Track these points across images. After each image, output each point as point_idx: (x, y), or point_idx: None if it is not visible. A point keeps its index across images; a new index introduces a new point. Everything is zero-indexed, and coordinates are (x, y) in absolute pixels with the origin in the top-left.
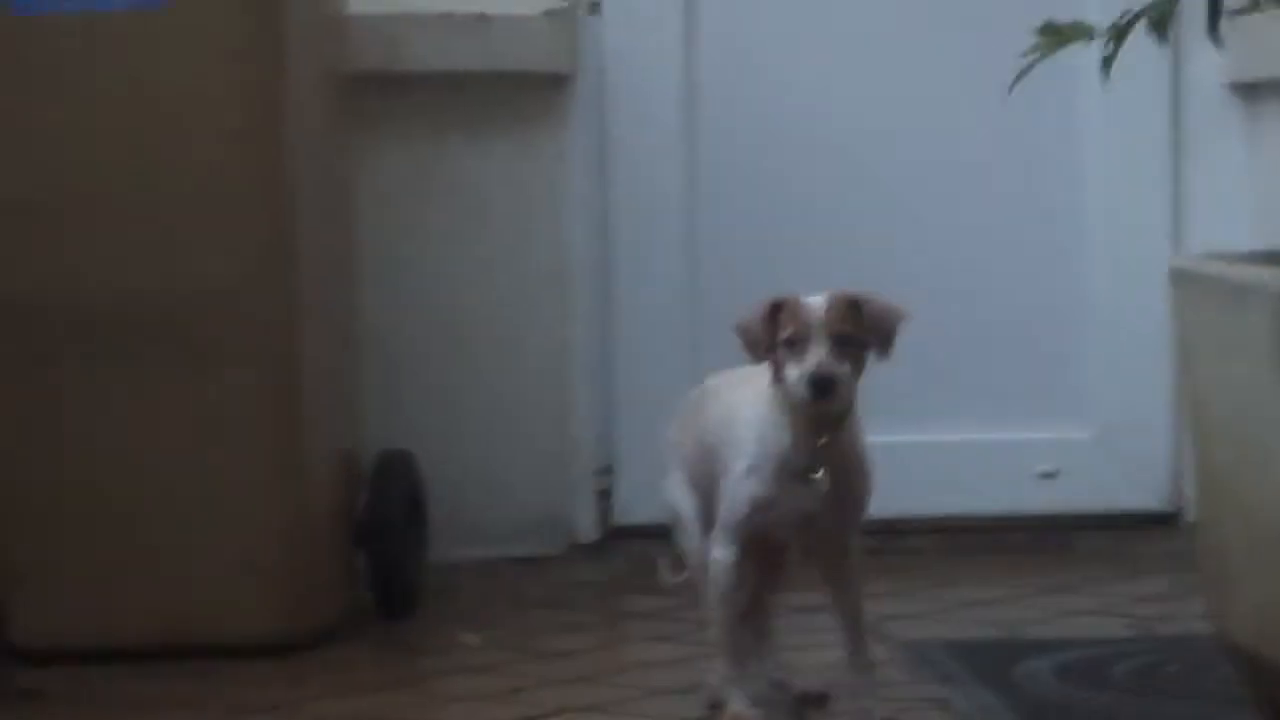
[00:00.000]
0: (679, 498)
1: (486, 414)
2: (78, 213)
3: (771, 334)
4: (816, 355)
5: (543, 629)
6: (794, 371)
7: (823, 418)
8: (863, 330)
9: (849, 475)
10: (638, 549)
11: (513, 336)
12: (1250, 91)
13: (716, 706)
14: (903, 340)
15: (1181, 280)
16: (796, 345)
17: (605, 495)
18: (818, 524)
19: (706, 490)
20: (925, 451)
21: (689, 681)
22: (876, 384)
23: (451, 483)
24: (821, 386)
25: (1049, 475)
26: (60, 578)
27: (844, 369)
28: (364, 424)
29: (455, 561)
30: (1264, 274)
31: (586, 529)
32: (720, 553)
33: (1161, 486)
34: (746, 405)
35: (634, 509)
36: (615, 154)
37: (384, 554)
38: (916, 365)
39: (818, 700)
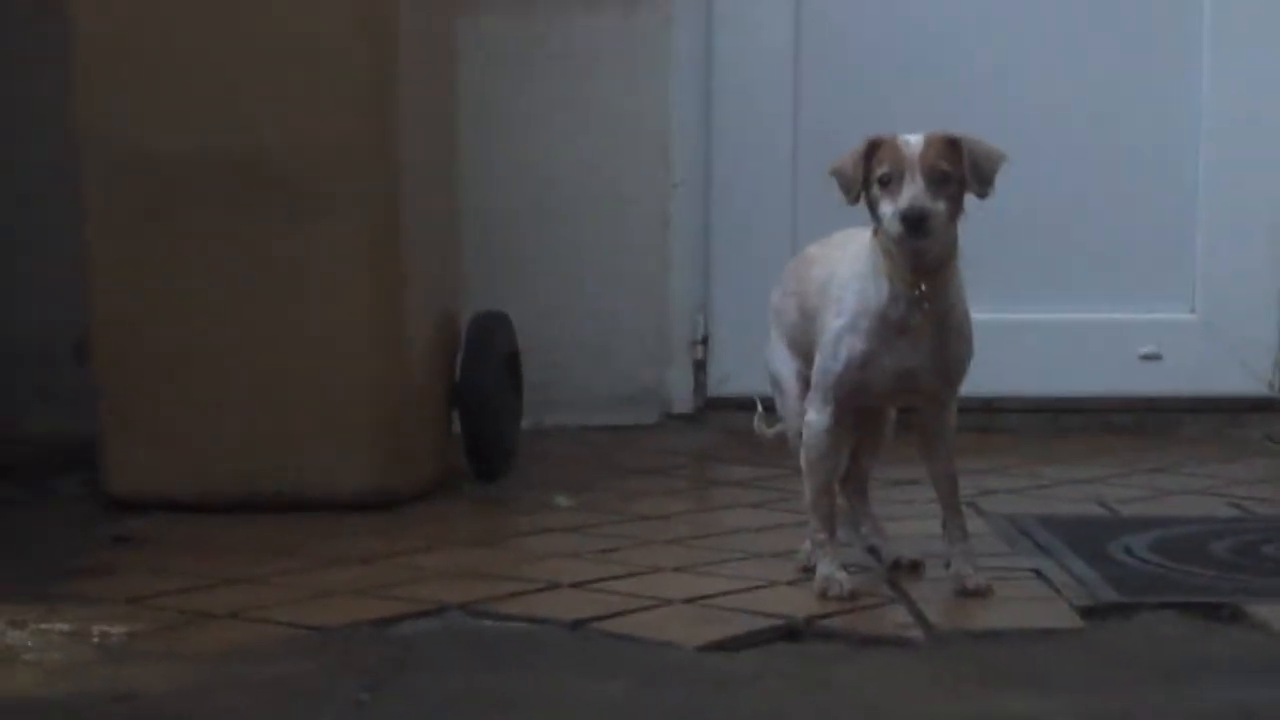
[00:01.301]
0: (779, 362)
1: (584, 281)
2: (185, 66)
3: (867, 173)
4: (911, 191)
5: (636, 494)
6: (888, 209)
7: (919, 259)
8: (960, 169)
9: (947, 332)
10: (733, 420)
11: (613, 203)
12: None
13: (808, 570)
14: (1002, 194)
15: None
16: (891, 183)
17: (701, 366)
18: (915, 385)
19: (807, 356)
20: (1027, 330)
21: (782, 546)
22: (980, 261)
23: (548, 348)
24: (915, 222)
25: (1152, 357)
26: (157, 427)
27: (939, 205)
28: (463, 286)
29: (550, 427)
30: None
31: (682, 399)
32: (815, 415)
33: (1265, 371)
34: (845, 263)
35: (730, 380)
36: (722, 17)
37: (479, 416)
38: (1020, 243)
39: (911, 567)
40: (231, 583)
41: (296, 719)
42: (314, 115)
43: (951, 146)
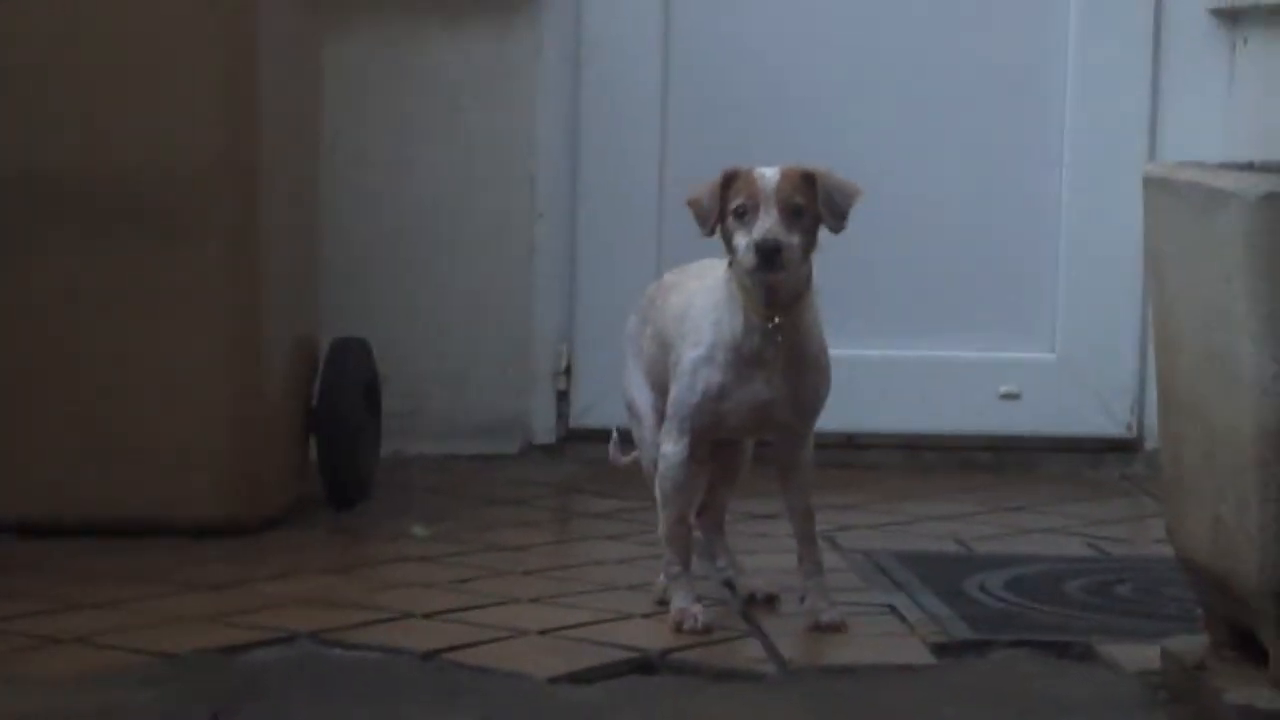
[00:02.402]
0: (636, 391)
1: (448, 308)
2: (38, 85)
3: (723, 205)
4: (765, 223)
5: (493, 524)
6: (742, 241)
7: (773, 291)
8: (815, 203)
9: (802, 365)
10: (595, 451)
11: (478, 231)
12: (1231, 18)
13: (664, 603)
14: (863, 232)
15: (1155, 188)
16: (747, 215)
17: (564, 396)
18: (771, 417)
19: (663, 385)
20: (889, 366)
21: (639, 579)
22: (843, 298)
23: (409, 376)
24: (768, 254)
25: (1012, 396)
26: (9, 450)
27: (793, 238)
28: (322, 311)
29: (410, 456)
30: (1238, 180)
31: (544, 429)
32: (671, 447)
33: (1124, 413)
34: (701, 294)
35: (592, 412)
36: (589, 49)
37: (336, 442)
38: (883, 280)
39: (766, 601)
40: (81, 608)
41: None
42: (169, 135)
43: (806, 180)
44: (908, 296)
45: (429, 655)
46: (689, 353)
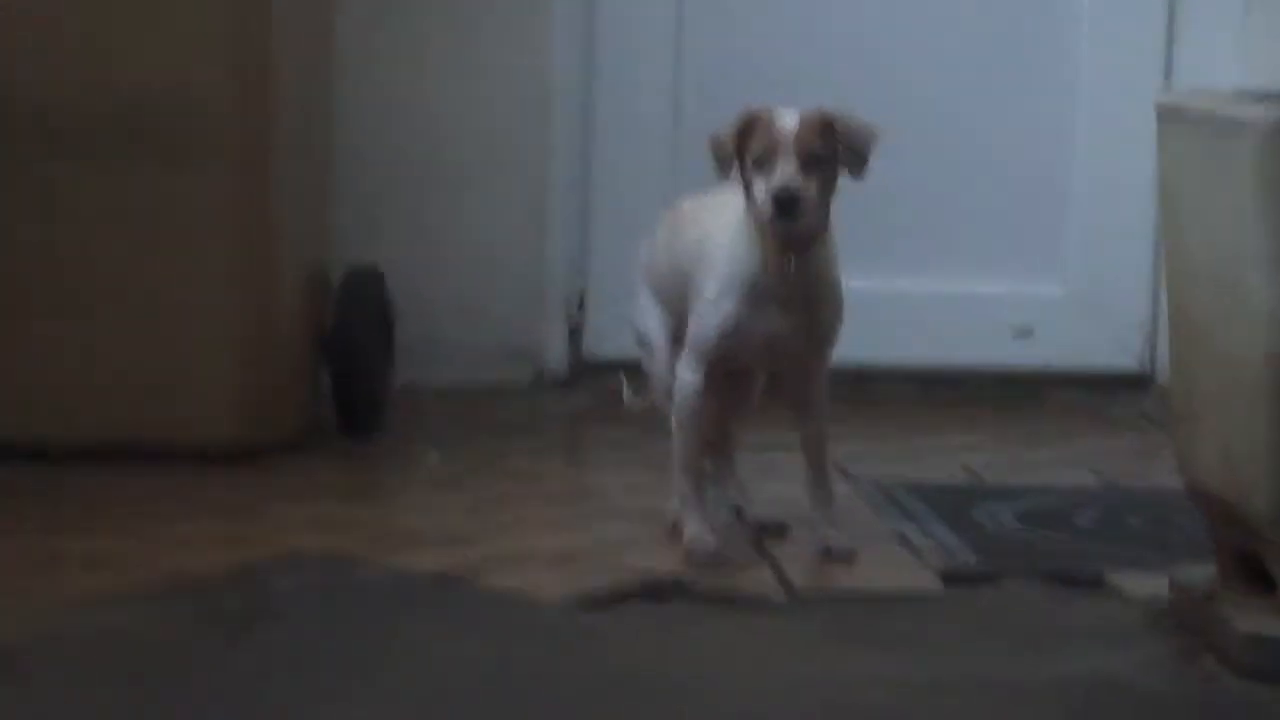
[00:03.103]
0: (647, 319)
1: (461, 238)
2: (51, 9)
3: (742, 149)
4: (783, 172)
5: (506, 452)
6: (760, 187)
7: (790, 237)
8: (834, 148)
9: (818, 301)
10: (607, 383)
11: (492, 161)
12: None
13: (676, 530)
14: (876, 165)
15: (1168, 117)
16: (765, 161)
17: (577, 328)
18: (785, 350)
19: (677, 313)
20: (900, 300)
21: (651, 507)
22: (854, 232)
23: (422, 305)
24: (786, 204)
25: (1024, 330)
26: (14, 372)
27: (810, 187)
28: (335, 238)
29: (421, 384)
30: (1252, 109)
31: (556, 361)
32: (687, 376)
33: (1136, 346)
34: (719, 228)
35: (605, 343)
36: None
37: (348, 369)
38: (894, 214)
39: (776, 530)
40: (91, 530)
41: (153, 667)
42: (179, 57)
43: (825, 125)
44: (919, 230)
45: (440, 578)
46: (707, 284)
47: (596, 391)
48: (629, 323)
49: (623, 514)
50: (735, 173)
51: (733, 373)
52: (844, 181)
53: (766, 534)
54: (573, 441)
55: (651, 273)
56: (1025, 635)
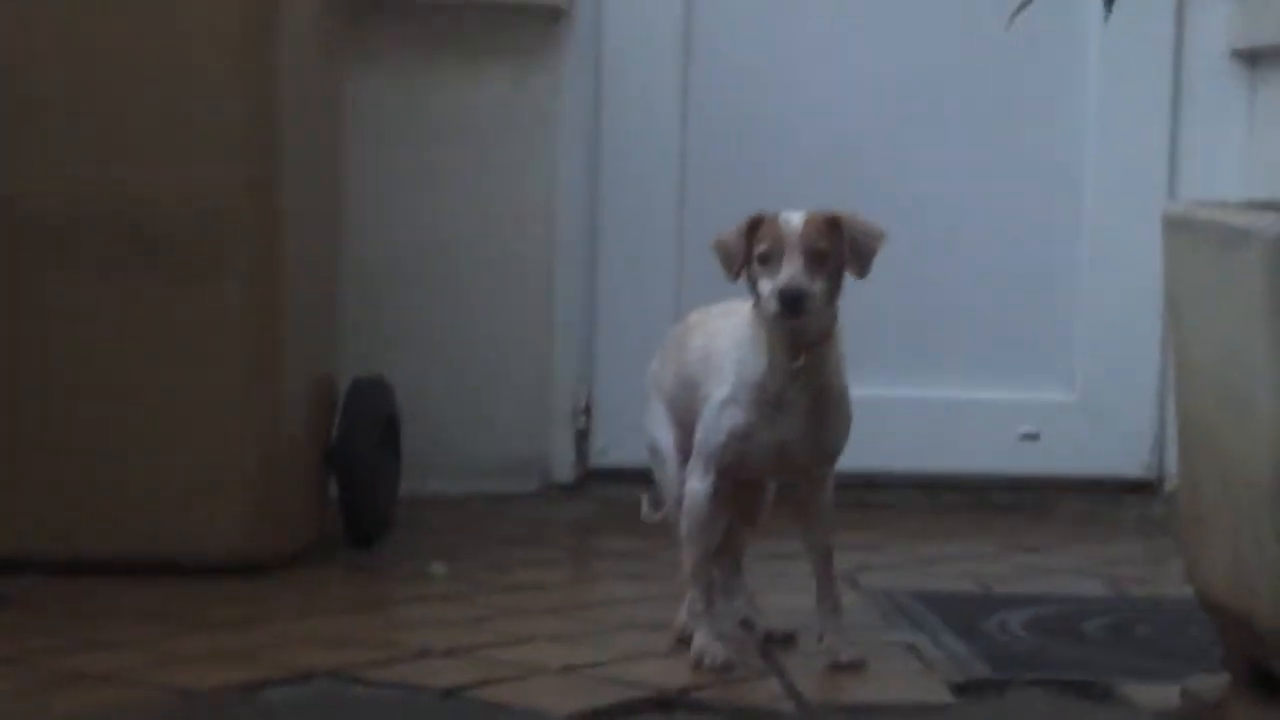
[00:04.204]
0: (658, 430)
1: (467, 347)
2: (63, 120)
3: (748, 250)
4: (788, 270)
5: (512, 563)
6: (767, 286)
7: (797, 336)
8: (840, 248)
9: (826, 408)
10: (614, 491)
11: (498, 271)
12: (1252, 58)
13: (684, 640)
14: (883, 268)
15: (1175, 227)
16: (770, 260)
17: (583, 436)
18: (793, 457)
19: (686, 424)
20: (907, 407)
21: (659, 618)
22: (862, 338)
23: (428, 415)
24: (792, 301)
25: (1031, 436)
26: (26, 485)
27: (816, 285)
28: (342, 349)
29: (427, 495)
30: (1258, 219)
31: (563, 469)
32: (698, 484)
33: (1144, 454)
34: (726, 334)
35: (612, 451)
36: (609, 90)
37: (355, 480)
38: (902, 320)
39: (784, 640)
40: (102, 645)
41: None
42: (189, 171)
43: (831, 225)
44: (925, 335)
45: (448, 693)
46: (714, 391)
47: (603, 500)
48: (640, 431)
49: (631, 625)
50: (742, 275)
51: (742, 483)
52: (849, 285)
53: (775, 643)
54: (580, 551)
55: (660, 384)
56: None
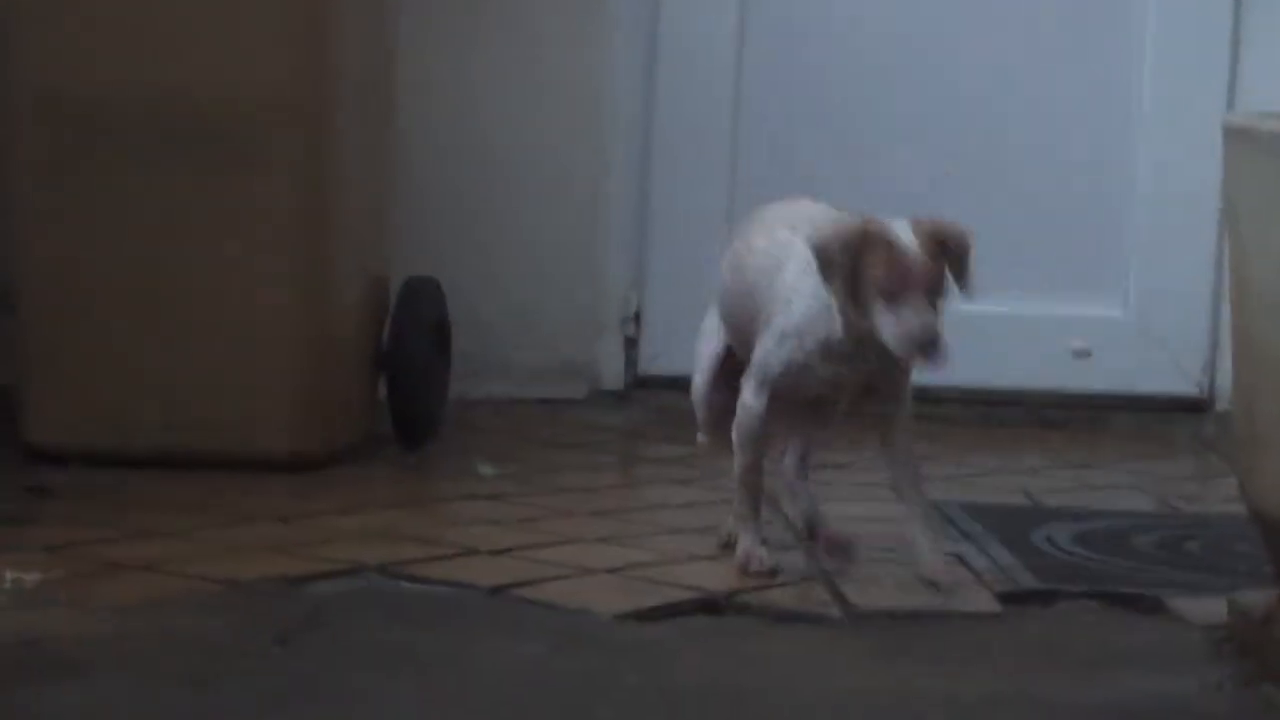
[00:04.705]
0: (704, 331)
1: (519, 251)
2: (109, 7)
3: (855, 268)
4: (924, 316)
5: (560, 466)
6: (890, 325)
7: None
8: (947, 268)
9: (893, 359)
10: (662, 399)
11: (552, 175)
12: None
13: (730, 545)
14: (944, 178)
15: (1235, 138)
16: (894, 295)
17: (633, 343)
18: (854, 390)
19: (738, 329)
20: (960, 321)
21: (705, 523)
22: None
23: (479, 319)
24: (931, 350)
25: (1083, 353)
26: (78, 378)
27: (940, 321)
28: (394, 249)
29: (477, 397)
30: None
31: (612, 376)
32: (750, 399)
33: (1196, 372)
34: (794, 265)
35: (661, 358)
36: None
37: (406, 381)
38: None
39: (845, 546)
40: (147, 536)
41: (204, 670)
42: (245, 61)
43: (941, 248)
44: (980, 251)
45: (495, 590)
46: (776, 318)
47: (652, 407)
48: (691, 340)
49: (678, 530)
50: (839, 289)
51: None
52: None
53: (837, 552)
54: (627, 457)
55: (722, 286)
56: (1082, 657)
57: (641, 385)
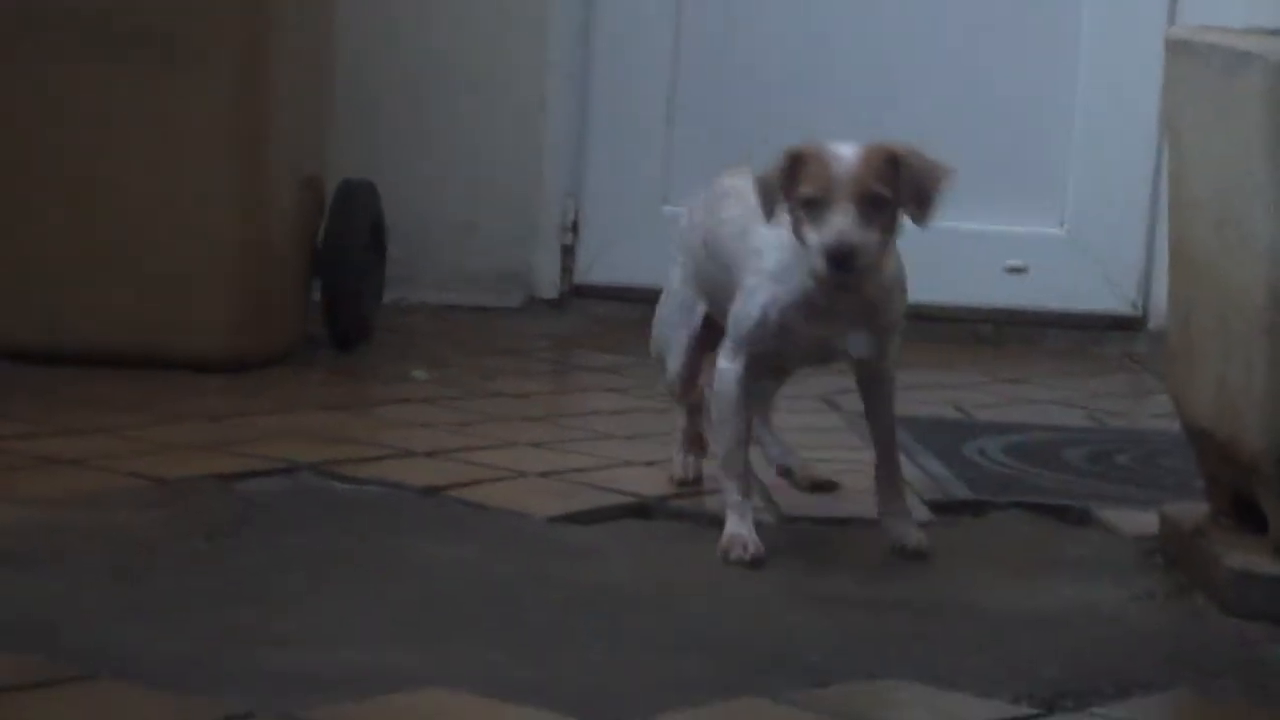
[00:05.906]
0: (669, 287)
1: (456, 156)
2: None
3: (790, 189)
4: (838, 222)
5: (495, 372)
6: (812, 238)
7: (844, 285)
8: (897, 190)
9: (876, 310)
10: (597, 308)
11: (490, 81)
12: None
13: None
14: (880, 92)
15: (1176, 50)
16: (817, 206)
17: (569, 251)
18: (836, 348)
19: (712, 294)
20: None
21: (639, 430)
22: None
23: (415, 224)
24: (841, 260)
25: (1018, 270)
26: (6, 275)
27: (870, 236)
28: (332, 153)
29: (412, 302)
30: (1263, 43)
31: (548, 284)
32: (727, 364)
33: (1130, 290)
34: (765, 224)
35: (596, 268)
36: None
37: (340, 282)
38: None
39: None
40: (78, 432)
41: (132, 565)
42: None
43: (889, 164)
44: None
45: (429, 491)
46: (749, 279)
47: (587, 316)
48: (628, 249)
49: (610, 435)
50: (783, 215)
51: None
52: (843, 113)
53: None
54: (562, 365)
55: (688, 246)
56: (1014, 566)
57: (578, 294)
